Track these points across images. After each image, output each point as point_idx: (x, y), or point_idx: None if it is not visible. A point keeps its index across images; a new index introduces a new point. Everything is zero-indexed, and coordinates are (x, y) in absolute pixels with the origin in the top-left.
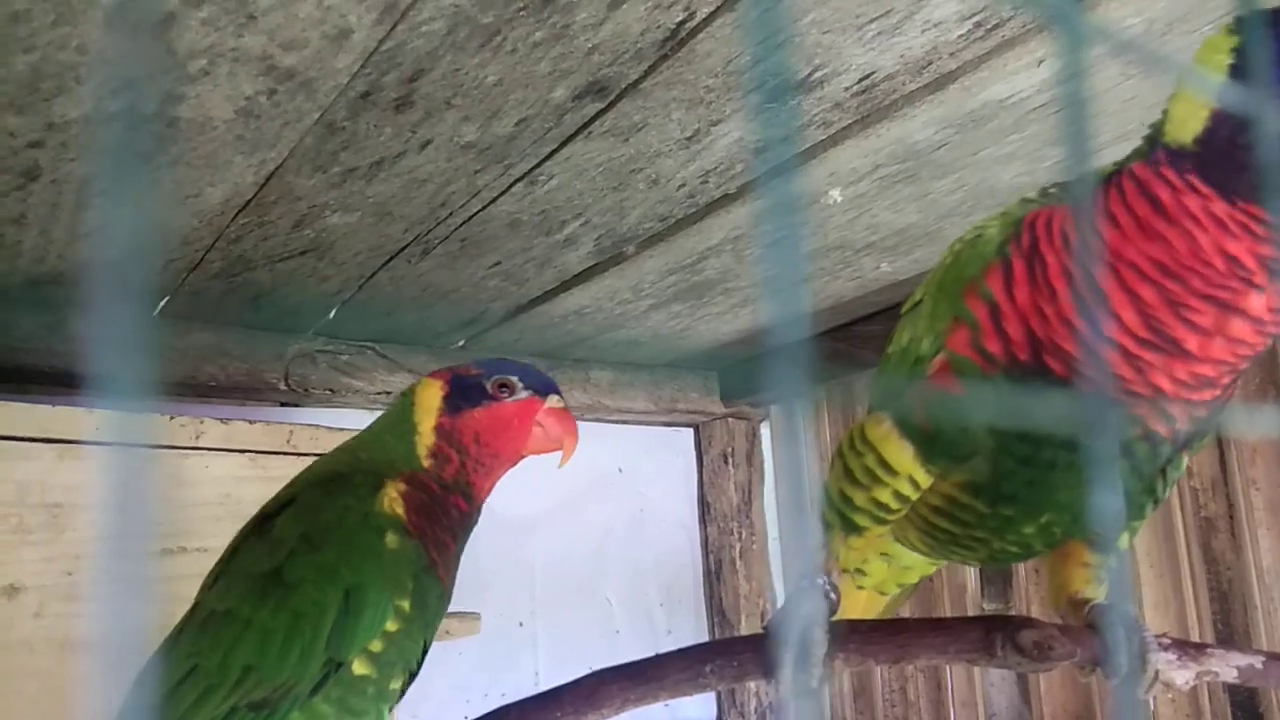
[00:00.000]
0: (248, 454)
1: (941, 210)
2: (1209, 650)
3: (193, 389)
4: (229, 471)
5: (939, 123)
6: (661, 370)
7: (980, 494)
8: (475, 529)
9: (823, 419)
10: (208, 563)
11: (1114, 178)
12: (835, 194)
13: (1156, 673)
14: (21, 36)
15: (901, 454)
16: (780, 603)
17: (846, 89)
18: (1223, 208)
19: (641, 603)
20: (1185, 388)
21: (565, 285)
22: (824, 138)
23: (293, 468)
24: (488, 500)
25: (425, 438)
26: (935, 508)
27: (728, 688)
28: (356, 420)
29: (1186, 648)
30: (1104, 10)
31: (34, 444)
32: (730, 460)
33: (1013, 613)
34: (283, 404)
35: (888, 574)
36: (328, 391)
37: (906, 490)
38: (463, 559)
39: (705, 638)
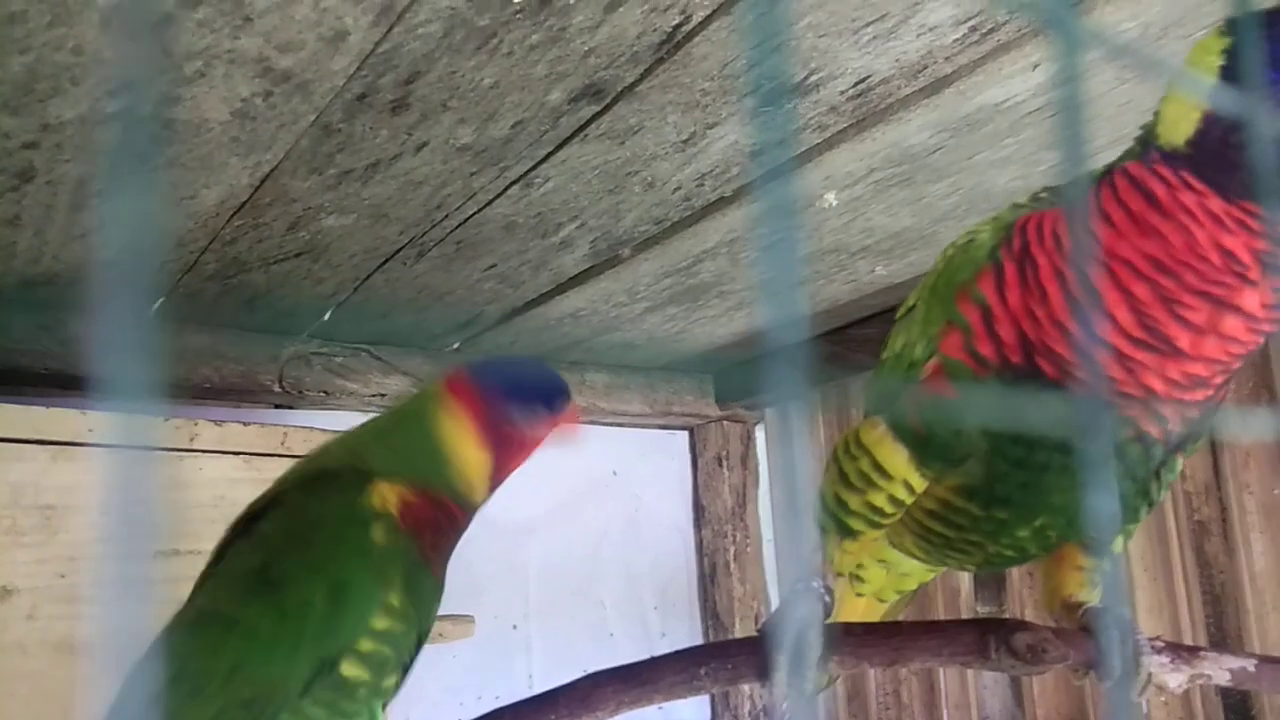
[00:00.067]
0: (242, 456)
1: (936, 214)
2: (1202, 653)
3: (187, 391)
4: (223, 474)
5: (934, 127)
6: (656, 373)
7: (974, 497)
8: (470, 531)
9: (817, 422)
10: (202, 565)
11: (1106, 177)
12: (830, 197)
13: (1149, 675)
14: (17, 37)
15: (896, 458)
16: (775, 606)
17: (842, 93)
18: (1218, 204)
19: (636, 606)
20: (1178, 388)
21: (561, 288)
22: (819, 141)
23: (286, 469)
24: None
25: (479, 485)
26: (930, 511)
27: (722, 690)
28: (351, 422)
29: (1179, 650)
30: (1099, 14)
31: (27, 445)
32: (725, 463)
33: (1006, 616)
34: (277, 406)
35: (886, 581)
36: (322, 394)
37: (901, 494)
38: (456, 563)
39: (699, 641)
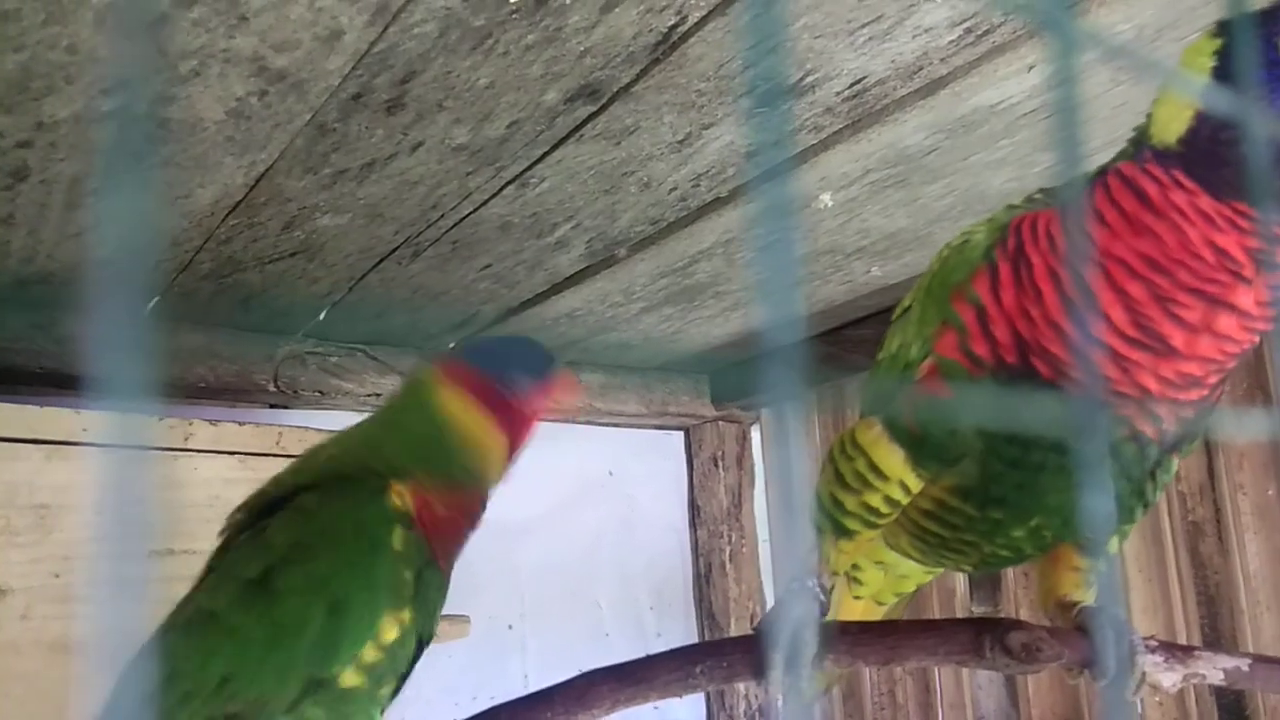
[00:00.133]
0: (237, 456)
1: (932, 215)
2: (1196, 653)
3: (182, 390)
4: (218, 473)
5: (929, 128)
6: (652, 373)
7: (970, 497)
8: None
9: (813, 422)
10: (196, 565)
11: (1099, 178)
12: (826, 198)
13: (1144, 675)
14: (11, 35)
15: (892, 458)
16: (771, 605)
17: (837, 94)
18: (1209, 203)
19: (631, 606)
20: (1172, 387)
21: (556, 288)
22: (814, 142)
23: (281, 469)
24: None
25: (496, 461)
26: (926, 511)
27: (717, 689)
28: (346, 422)
29: (1174, 650)
30: (1094, 16)
31: (21, 445)
32: (720, 463)
33: (1002, 615)
34: (272, 406)
35: (884, 583)
36: (317, 393)
37: (897, 494)
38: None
39: (695, 641)
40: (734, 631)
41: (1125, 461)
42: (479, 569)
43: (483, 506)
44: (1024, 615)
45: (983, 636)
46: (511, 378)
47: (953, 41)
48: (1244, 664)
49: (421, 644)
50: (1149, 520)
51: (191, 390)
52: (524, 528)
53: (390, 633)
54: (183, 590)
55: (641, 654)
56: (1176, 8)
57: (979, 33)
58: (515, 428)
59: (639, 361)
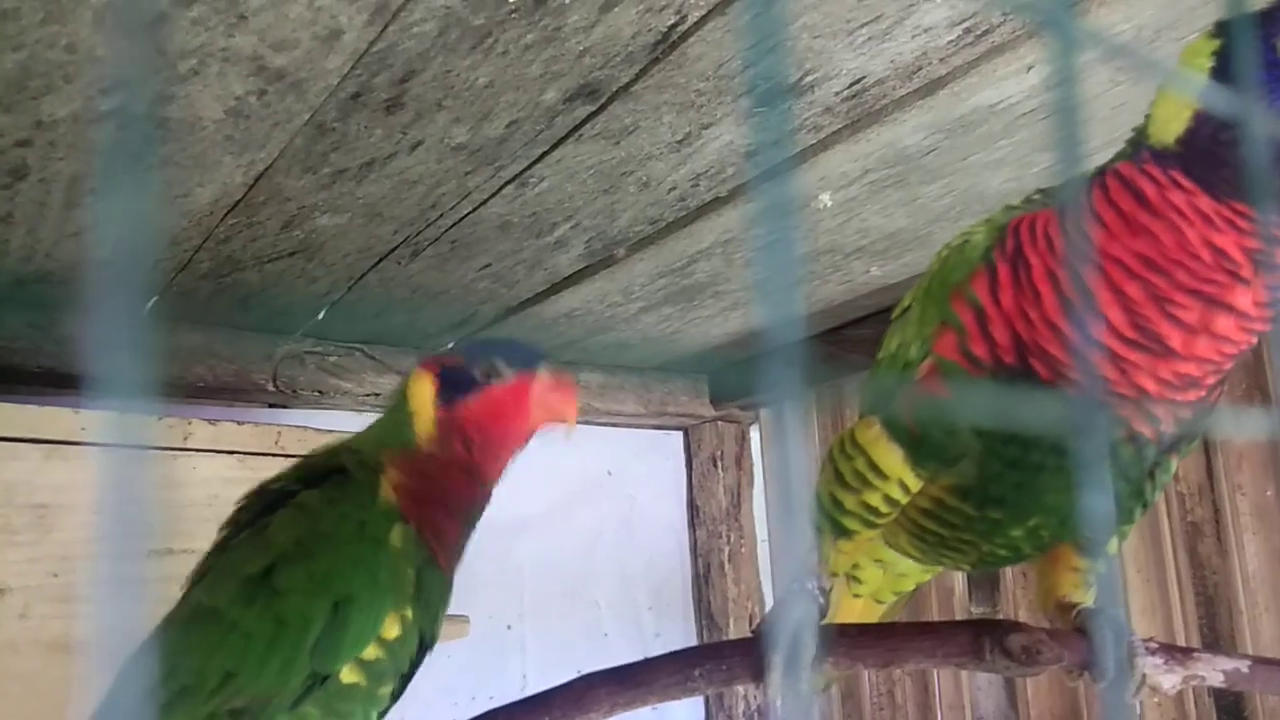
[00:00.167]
0: (235, 455)
1: (931, 215)
2: (1195, 654)
3: (181, 390)
4: (217, 473)
5: (929, 128)
6: (651, 373)
7: (968, 497)
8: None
9: (812, 422)
10: (195, 565)
11: (1098, 178)
12: (825, 198)
13: (1143, 677)
14: (10, 34)
15: (891, 457)
16: (770, 606)
17: (837, 94)
18: (1207, 203)
19: (630, 606)
20: (1170, 388)
21: (555, 288)
22: (814, 142)
23: (281, 469)
24: None
25: (424, 426)
26: (925, 511)
27: (716, 692)
28: (345, 422)
29: (1173, 652)
30: (1093, 17)
31: (20, 444)
32: (719, 464)
33: (1000, 617)
34: (271, 405)
35: (883, 582)
36: (316, 393)
37: (896, 494)
38: None
39: (693, 641)
40: (732, 631)
41: (1123, 462)
42: (478, 569)
43: (480, 505)
44: (1023, 616)
45: (982, 638)
46: (489, 363)
47: (952, 41)
48: (1243, 665)
49: (424, 646)
50: (1148, 521)
51: (190, 390)
52: (523, 527)
53: (392, 630)
54: (182, 590)
55: (640, 654)
56: (1176, 8)
57: (978, 33)
58: (490, 409)
59: (638, 361)
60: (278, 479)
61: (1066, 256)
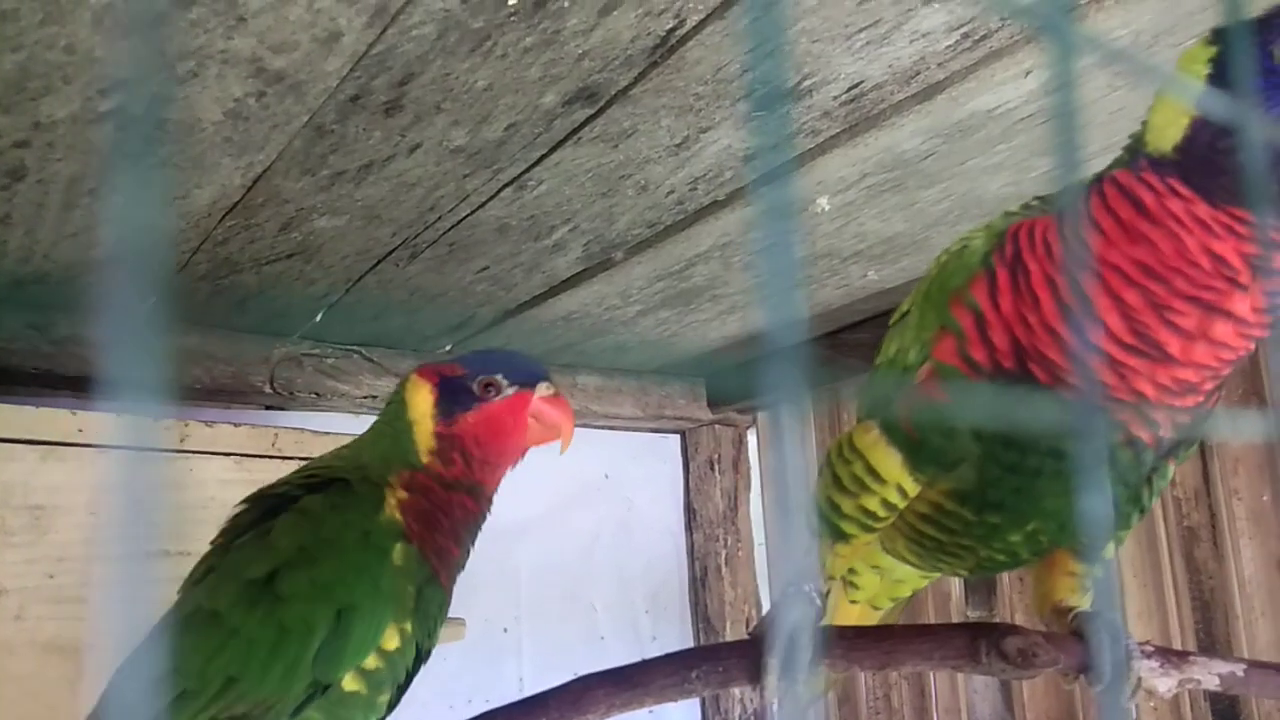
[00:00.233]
0: (233, 457)
1: (928, 219)
2: (1191, 658)
3: (178, 391)
4: (214, 475)
5: (926, 132)
6: (649, 376)
7: (967, 501)
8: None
9: (809, 426)
10: (191, 567)
11: (1095, 185)
12: (823, 202)
13: (1139, 680)
14: (9, 35)
15: (889, 462)
16: (767, 609)
17: (835, 98)
18: (1205, 210)
19: (627, 609)
20: (1168, 393)
21: (553, 290)
22: (812, 146)
23: (277, 471)
24: None
25: (424, 440)
26: (923, 515)
27: (713, 693)
28: (342, 424)
29: (1169, 655)
30: (1091, 22)
31: (17, 445)
32: (717, 467)
33: (997, 620)
34: (268, 407)
35: (880, 588)
36: (313, 395)
37: (894, 498)
38: None
39: (690, 644)
40: (729, 635)
41: (1121, 467)
42: (475, 571)
43: (480, 516)
44: (1019, 620)
45: (978, 641)
46: (489, 377)
47: (950, 46)
48: (1239, 669)
49: (420, 656)
50: (1144, 526)
51: (187, 391)
52: (520, 530)
53: (392, 642)
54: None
55: (637, 657)
56: (1173, 13)
57: (976, 38)
58: (489, 425)
59: (635, 364)
60: (280, 484)
61: (1065, 263)
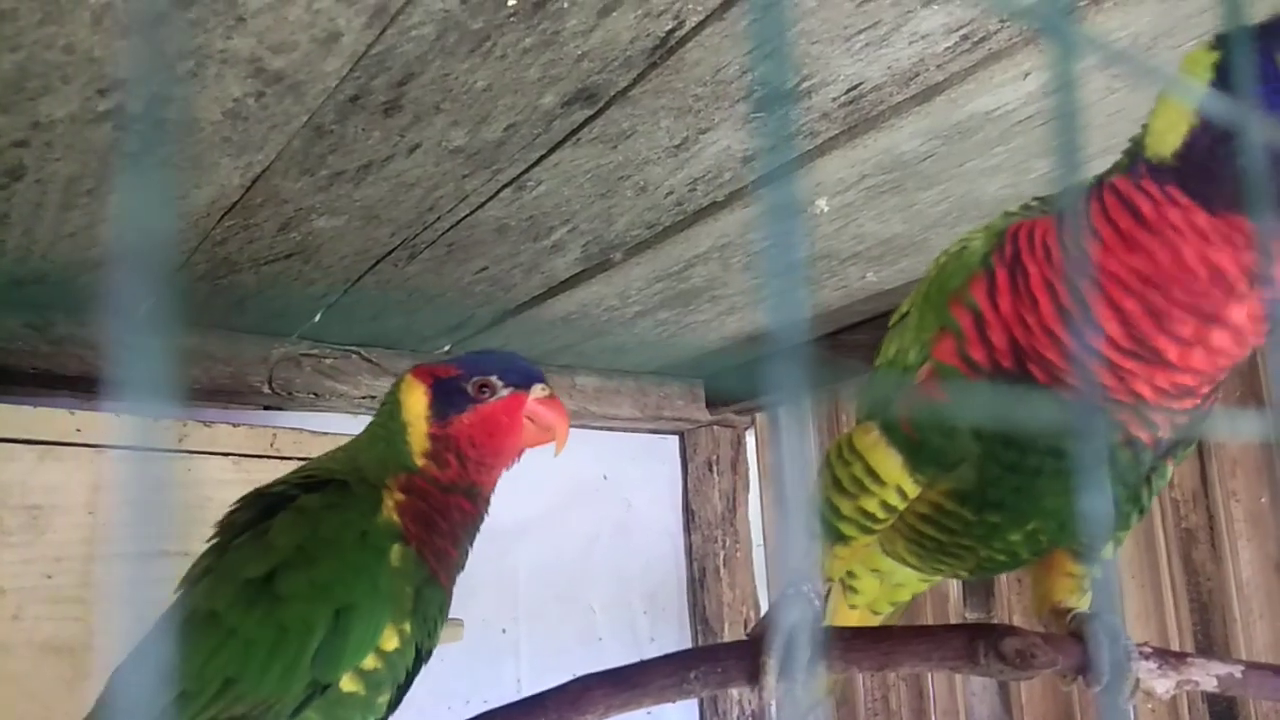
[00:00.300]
0: (230, 457)
1: (927, 221)
2: (1189, 659)
3: (180, 391)
4: (211, 475)
5: (925, 134)
6: (647, 377)
7: (967, 501)
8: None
9: (809, 426)
10: (188, 567)
11: (1094, 191)
12: (822, 203)
13: (1137, 681)
14: (8, 35)
15: (889, 463)
16: (765, 610)
17: (834, 99)
18: (1204, 218)
19: (625, 610)
20: (1166, 396)
21: (552, 291)
22: (811, 148)
23: (276, 471)
24: None
25: (418, 442)
26: (923, 516)
27: (711, 694)
28: (340, 424)
29: (1167, 656)
30: (1090, 23)
31: (15, 445)
32: (715, 468)
33: (995, 621)
34: (266, 407)
35: (880, 592)
36: (312, 395)
37: (893, 499)
38: None
39: (688, 645)
40: (727, 637)
41: (1120, 467)
42: (473, 572)
43: (478, 518)
44: (1017, 621)
45: (977, 642)
46: (484, 379)
47: (949, 48)
48: (1237, 670)
49: (420, 657)
50: (1142, 527)
51: (185, 391)
52: (518, 531)
53: (391, 642)
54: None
55: (635, 659)
56: (1172, 15)
57: (975, 39)
58: (483, 427)
59: (634, 365)
60: (276, 484)
61: (1065, 269)
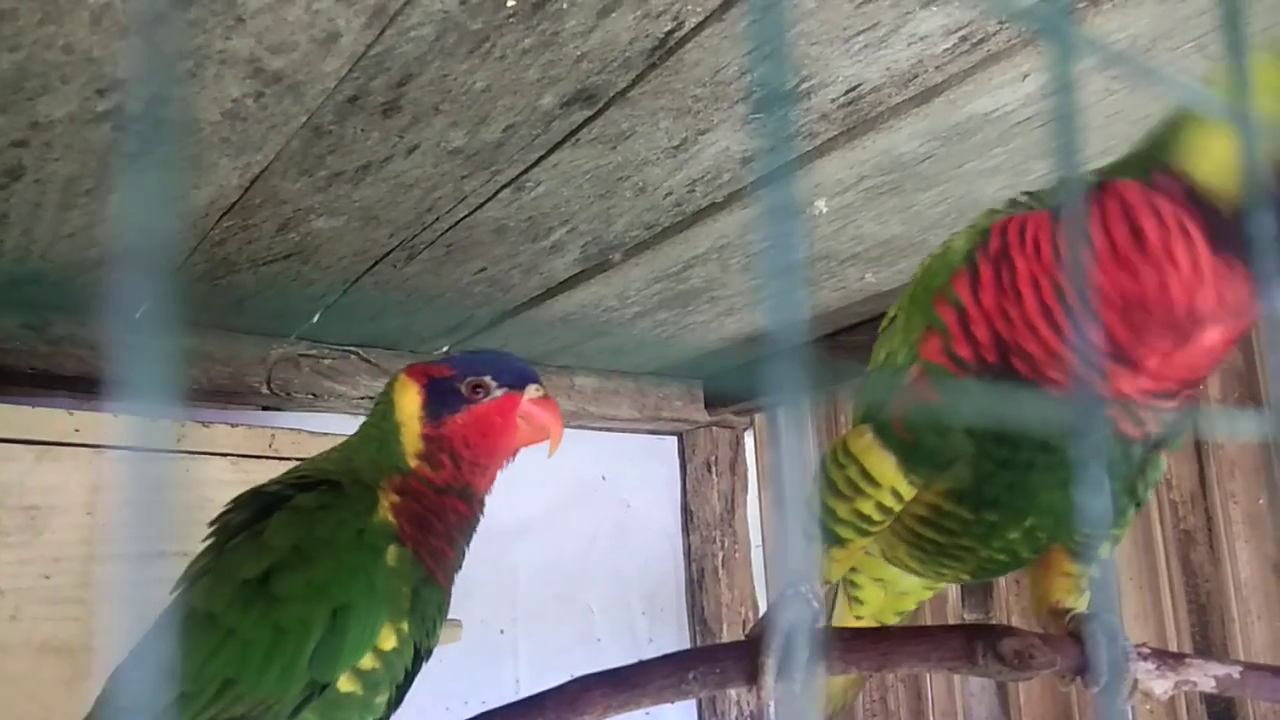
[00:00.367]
0: (229, 458)
1: (926, 222)
2: (1188, 660)
3: (182, 392)
4: (210, 475)
5: (924, 135)
6: (646, 378)
7: (963, 501)
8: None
9: (806, 428)
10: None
11: (1097, 190)
12: (820, 204)
13: (1136, 682)
14: (7, 35)
15: (883, 465)
16: (764, 611)
17: (833, 100)
18: (1207, 256)
19: (623, 611)
20: (1150, 396)
21: (551, 292)
22: (810, 149)
23: (274, 471)
24: None
25: (412, 443)
26: (921, 518)
27: (709, 695)
28: (339, 425)
29: (1165, 657)
30: (1089, 25)
31: (13, 445)
32: (714, 469)
33: (994, 622)
34: (265, 408)
35: (885, 601)
36: (310, 396)
37: (888, 501)
38: None
39: (687, 646)
40: (726, 637)
41: (1111, 461)
42: (471, 573)
43: (473, 519)
44: (1015, 622)
45: (975, 643)
46: (478, 379)
47: (948, 49)
48: (1235, 671)
49: (419, 657)
50: (1140, 528)
51: (184, 391)
52: (517, 532)
53: (389, 642)
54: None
55: (633, 659)
56: (1171, 17)
57: (974, 41)
58: (477, 427)
59: (633, 366)
60: (271, 484)
61: (1060, 263)
